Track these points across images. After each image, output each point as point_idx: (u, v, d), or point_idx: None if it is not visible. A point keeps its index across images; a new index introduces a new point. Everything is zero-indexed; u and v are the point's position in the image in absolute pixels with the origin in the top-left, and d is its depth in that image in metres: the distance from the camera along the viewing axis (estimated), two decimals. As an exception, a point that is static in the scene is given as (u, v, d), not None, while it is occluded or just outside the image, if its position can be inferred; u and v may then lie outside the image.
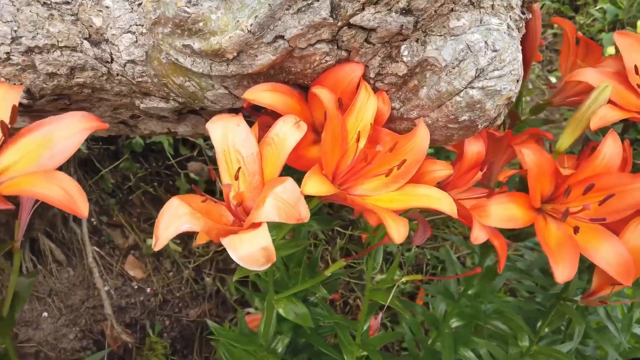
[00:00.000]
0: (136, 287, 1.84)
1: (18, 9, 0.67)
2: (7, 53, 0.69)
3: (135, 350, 1.73)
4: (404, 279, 0.75)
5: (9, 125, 0.49)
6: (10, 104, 0.51)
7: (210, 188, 2.06)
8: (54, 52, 0.68)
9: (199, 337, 1.84)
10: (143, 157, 2.01)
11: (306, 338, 0.93)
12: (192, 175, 1.97)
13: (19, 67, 0.71)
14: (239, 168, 0.53)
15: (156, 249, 0.45)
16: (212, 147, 2.06)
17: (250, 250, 0.44)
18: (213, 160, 2.06)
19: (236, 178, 0.51)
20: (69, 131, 0.50)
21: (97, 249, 1.82)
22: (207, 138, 2.03)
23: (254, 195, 0.53)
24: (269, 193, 0.47)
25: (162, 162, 2.02)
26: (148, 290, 1.85)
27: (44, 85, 0.72)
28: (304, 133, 0.51)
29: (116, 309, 1.76)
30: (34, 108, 0.76)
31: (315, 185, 0.47)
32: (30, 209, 0.63)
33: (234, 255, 0.44)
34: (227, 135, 0.53)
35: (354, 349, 0.86)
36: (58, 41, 0.67)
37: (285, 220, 0.47)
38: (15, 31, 0.68)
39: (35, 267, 1.67)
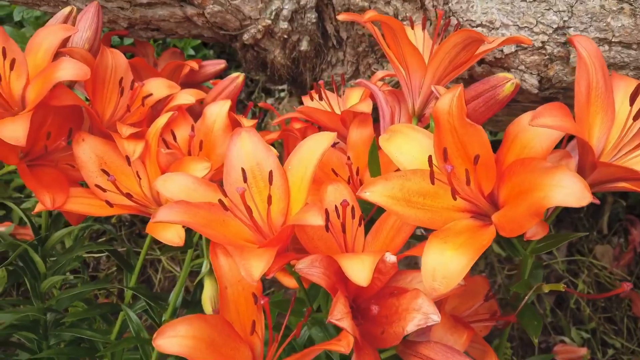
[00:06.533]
0: (450, 276, 1.86)
1: (579, 1, 0.66)
2: (543, 42, 0.70)
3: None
4: None
5: None
6: None
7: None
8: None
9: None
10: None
11: None
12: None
13: (547, 57, 0.71)
14: None
15: None
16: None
17: None
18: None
19: None
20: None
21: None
22: None
23: None
24: None
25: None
26: (460, 283, 1.86)
27: (564, 79, 0.72)
28: None
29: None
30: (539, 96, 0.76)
31: None
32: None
33: None
34: None
35: None
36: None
37: None
38: (565, 21, 0.68)
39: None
